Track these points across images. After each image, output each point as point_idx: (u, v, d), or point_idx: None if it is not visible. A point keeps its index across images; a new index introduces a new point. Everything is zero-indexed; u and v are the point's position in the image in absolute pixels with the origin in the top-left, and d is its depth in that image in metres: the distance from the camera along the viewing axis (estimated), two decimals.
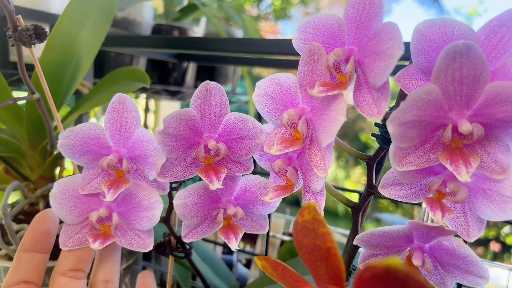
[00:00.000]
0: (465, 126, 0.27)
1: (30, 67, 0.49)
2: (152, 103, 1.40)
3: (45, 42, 0.45)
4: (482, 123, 0.28)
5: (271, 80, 0.35)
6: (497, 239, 4.35)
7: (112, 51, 0.83)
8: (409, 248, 0.34)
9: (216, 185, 0.34)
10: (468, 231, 0.33)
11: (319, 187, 0.33)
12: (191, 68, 1.02)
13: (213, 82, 0.34)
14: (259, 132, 0.35)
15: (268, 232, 0.66)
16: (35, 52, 0.44)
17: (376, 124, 0.34)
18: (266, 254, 0.68)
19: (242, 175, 0.39)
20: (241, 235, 0.38)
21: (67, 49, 0.56)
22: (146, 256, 0.76)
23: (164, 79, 0.99)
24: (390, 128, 0.28)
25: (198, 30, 0.99)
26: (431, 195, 0.32)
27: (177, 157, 0.36)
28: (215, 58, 0.94)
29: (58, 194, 0.38)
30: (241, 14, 1.08)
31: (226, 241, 0.37)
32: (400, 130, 0.28)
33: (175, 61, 0.94)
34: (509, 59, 0.29)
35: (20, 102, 0.52)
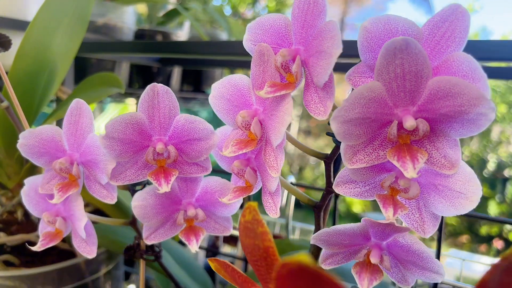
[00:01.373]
0: (409, 122, 0.27)
1: None
2: None
3: (15, 50, 0.45)
4: (428, 119, 0.28)
5: (226, 82, 0.35)
6: (500, 236, 4.33)
7: (93, 57, 0.84)
8: (367, 246, 0.34)
9: (164, 188, 0.34)
10: (423, 227, 0.33)
11: (274, 187, 0.33)
12: (176, 72, 1.02)
13: (160, 84, 0.35)
14: (210, 134, 0.35)
15: None
16: (7, 60, 0.44)
17: (329, 123, 0.34)
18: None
19: (204, 176, 0.39)
20: (202, 237, 0.38)
21: (39, 57, 0.57)
22: (129, 262, 0.76)
23: (149, 83, 0.99)
24: (334, 126, 0.28)
25: (182, 34, 1.00)
26: (384, 192, 0.32)
27: (128, 161, 0.36)
28: (199, 62, 0.95)
29: (27, 190, 0.41)
30: (226, 17, 1.08)
31: (187, 243, 0.37)
32: (344, 128, 0.28)
33: (158, 65, 0.94)
34: (451, 54, 0.29)
35: None
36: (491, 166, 4.68)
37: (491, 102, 0.26)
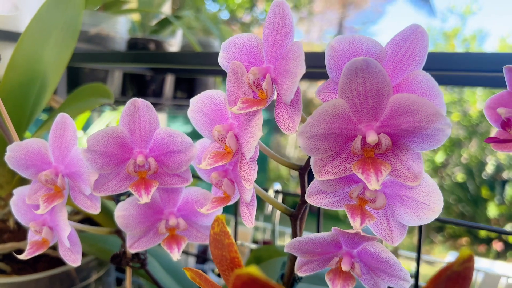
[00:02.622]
0: (371, 137, 0.29)
1: None
2: None
3: (7, 62, 0.47)
4: (390, 134, 0.30)
5: (203, 97, 0.37)
6: (499, 238, 4.34)
7: (86, 67, 0.85)
8: (339, 254, 0.36)
9: (144, 199, 0.35)
10: (391, 236, 0.34)
11: (248, 197, 0.34)
12: (169, 80, 1.03)
13: (140, 99, 0.36)
14: (188, 146, 0.36)
15: (235, 241, 0.68)
16: None
17: None
18: None
19: (186, 187, 0.40)
20: (184, 245, 0.39)
21: (31, 68, 0.58)
22: (120, 268, 0.77)
23: (142, 91, 1.00)
24: (300, 141, 0.29)
25: (174, 42, 1.01)
26: (354, 202, 0.34)
27: (111, 172, 0.37)
28: (192, 70, 0.96)
29: (16, 200, 0.42)
30: (218, 25, 1.10)
31: (169, 251, 0.39)
32: (310, 143, 0.29)
33: (151, 74, 0.96)
34: (412, 72, 0.30)
35: None
36: (490, 168, 4.69)
37: (446, 118, 0.27)
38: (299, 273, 0.38)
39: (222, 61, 0.35)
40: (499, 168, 4.67)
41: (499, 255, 4.24)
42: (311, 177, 0.39)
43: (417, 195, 0.32)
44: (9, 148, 0.38)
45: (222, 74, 0.98)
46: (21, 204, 0.41)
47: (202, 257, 0.82)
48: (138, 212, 0.39)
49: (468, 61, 0.44)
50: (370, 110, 0.29)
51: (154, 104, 1.01)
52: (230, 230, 0.26)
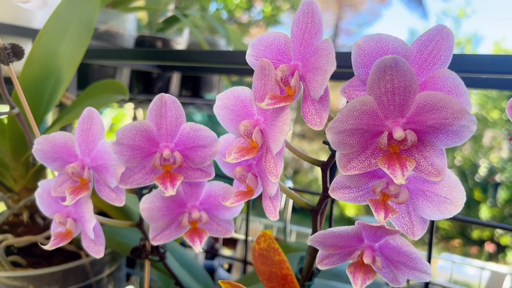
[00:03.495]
0: (398, 133, 0.30)
1: (8, 81, 0.51)
2: (140, 113, 1.43)
3: (25, 57, 0.47)
4: (415, 130, 0.31)
5: (229, 93, 0.38)
6: (491, 240, 4.38)
7: (95, 63, 0.86)
8: (360, 248, 0.37)
9: (170, 191, 0.36)
10: (412, 230, 0.35)
11: (273, 191, 0.35)
12: (175, 78, 1.04)
13: (167, 94, 0.37)
14: (213, 141, 0.37)
15: (246, 237, 0.69)
16: (15, 67, 0.46)
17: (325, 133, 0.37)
18: (245, 258, 0.70)
19: (208, 181, 0.41)
20: (205, 238, 0.40)
21: (47, 63, 0.59)
22: (130, 263, 0.78)
23: (149, 88, 1.01)
24: (329, 136, 0.30)
25: (181, 41, 1.02)
26: (377, 197, 0.35)
27: (137, 166, 0.38)
28: (198, 68, 0.97)
29: (40, 192, 0.43)
30: (224, 24, 1.10)
31: (191, 244, 0.40)
32: (339, 138, 0.30)
33: (158, 71, 0.97)
34: (438, 71, 0.31)
35: (1, 116, 0.54)
36: (483, 171, 4.73)
37: (472, 115, 0.28)
38: (320, 266, 0.39)
39: (249, 58, 0.36)
40: (492, 171, 4.71)
41: (491, 257, 4.29)
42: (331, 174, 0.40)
43: (439, 190, 0.33)
44: (36, 141, 0.39)
45: (227, 72, 0.99)
46: (45, 196, 0.42)
47: (211, 252, 0.83)
48: (162, 205, 0.40)
49: (469, 63, 0.45)
50: (397, 107, 0.30)
51: None
52: (278, 246, 0.27)
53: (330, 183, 0.39)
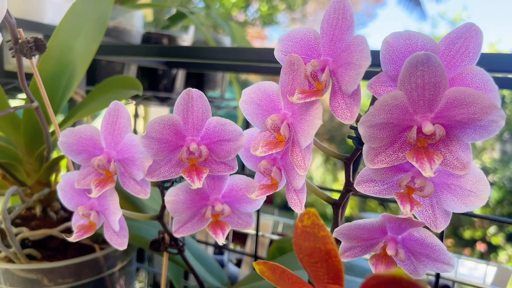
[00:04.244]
0: (427, 128, 0.31)
1: (25, 76, 0.51)
2: (141, 109, 1.43)
3: None
4: (444, 125, 0.31)
5: (256, 88, 0.38)
6: (483, 239, 4.43)
7: (103, 59, 0.86)
8: (383, 240, 0.38)
9: (197, 184, 0.37)
10: (435, 222, 0.36)
11: (300, 184, 0.36)
12: (180, 75, 1.04)
13: (194, 89, 0.38)
14: (238, 135, 0.38)
15: (257, 232, 0.69)
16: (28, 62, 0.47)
17: (351, 127, 0.37)
18: (256, 253, 0.71)
19: (230, 175, 0.42)
20: (227, 231, 0.41)
21: (63, 58, 0.59)
22: (139, 258, 0.78)
23: (154, 85, 1.01)
24: (361, 130, 0.31)
25: (187, 38, 1.02)
26: (401, 190, 0.36)
27: (163, 159, 0.39)
28: (204, 65, 0.97)
29: (63, 185, 0.43)
30: (229, 22, 1.11)
31: (214, 236, 0.40)
32: (370, 132, 0.31)
33: (164, 68, 0.97)
34: (466, 68, 0.32)
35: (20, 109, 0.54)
36: None
37: (501, 110, 0.29)
38: (342, 258, 0.39)
39: (278, 53, 0.37)
40: (484, 172, 4.75)
41: (483, 256, 4.33)
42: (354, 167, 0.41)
43: (464, 183, 0.34)
44: (62, 134, 0.40)
45: (233, 69, 0.99)
46: (68, 189, 0.43)
47: (220, 247, 0.83)
48: (186, 198, 0.41)
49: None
50: (427, 102, 0.31)
51: (165, 99, 1.02)
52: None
53: (352, 177, 0.40)
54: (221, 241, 0.41)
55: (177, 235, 0.42)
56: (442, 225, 0.36)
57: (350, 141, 0.39)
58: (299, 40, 0.35)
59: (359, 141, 0.37)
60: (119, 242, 0.42)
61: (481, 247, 4.41)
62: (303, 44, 0.35)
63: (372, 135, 0.32)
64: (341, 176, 4.10)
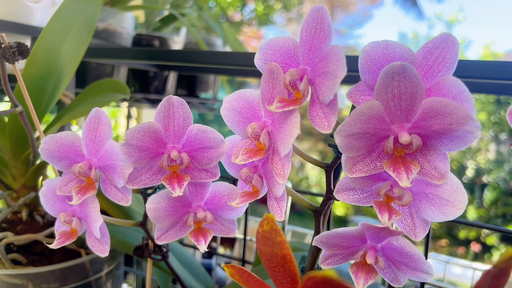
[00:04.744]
0: (404, 138, 0.31)
1: (11, 78, 0.51)
2: (134, 111, 1.43)
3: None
4: (420, 134, 0.32)
5: (237, 96, 0.38)
6: (477, 240, 4.45)
7: (93, 61, 0.86)
8: (363, 248, 0.38)
9: (177, 192, 0.37)
10: (414, 231, 0.36)
11: (280, 192, 0.36)
12: (172, 77, 1.04)
13: (175, 96, 0.38)
14: (220, 143, 0.38)
15: (245, 237, 0.69)
16: (17, 65, 0.46)
17: (331, 135, 0.37)
18: (243, 257, 0.71)
19: (213, 182, 0.42)
20: (210, 238, 0.41)
21: (49, 62, 0.59)
22: (127, 262, 0.78)
23: (145, 87, 1.01)
24: (337, 140, 0.31)
25: (178, 40, 1.02)
26: (380, 199, 0.36)
27: (144, 166, 0.39)
28: (195, 68, 0.97)
29: (45, 191, 0.43)
30: (221, 23, 1.11)
31: (196, 243, 0.40)
32: (347, 142, 0.31)
33: (156, 70, 0.97)
34: (443, 78, 0.32)
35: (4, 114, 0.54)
36: (470, 172, 4.80)
37: (476, 121, 0.29)
38: (323, 265, 0.39)
39: (258, 62, 0.37)
40: (479, 172, 4.78)
41: (477, 257, 4.35)
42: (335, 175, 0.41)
43: (442, 193, 0.34)
44: (43, 141, 0.39)
45: (224, 73, 0.99)
46: (50, 195, 0.42)
47: (209, 252, 0.83)
48: (168, 205, 0.40)
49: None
50: (403, 112, 0.31)
51: (156, 101, 1.02)
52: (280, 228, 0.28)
53: (333, 185, 0.40)
54: (203, 248, 0.41)
55: (159, 243, 0.42)
56: (421, 234, 0.36)
57: None
58: (279, 48, 0.35)
59: (338, 150, 0.37)
60: (101, 248, 0.42)
61: (475, 247, 4.43)
62: (282, 53, 0.35)
63: (348, 145, 0.32)
64: None
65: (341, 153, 0.37)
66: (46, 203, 0.43)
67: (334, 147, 0.38)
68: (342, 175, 0.42)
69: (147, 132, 0.37)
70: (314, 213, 0.41)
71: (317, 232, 0.41)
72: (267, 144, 0.36)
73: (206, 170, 0.40)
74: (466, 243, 4.49)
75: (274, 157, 0.36)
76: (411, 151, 0.32)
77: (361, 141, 0.32)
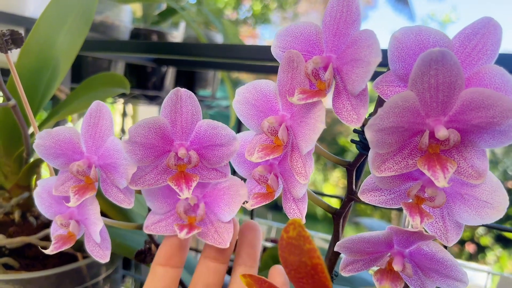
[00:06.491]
0: (441, 132, 0.28)
1: (2, 72, 0.48)
2: (130, 108, 1.39)
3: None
4: (458, 129, 0.29)
5: (251, 87, 0.35)
6: (472, 240, 4.45)
7: (90, 55, 0.82)
8: (389, 254, 0.35)
9: (185, 194, 0.33)
10: (446, 235, 0.33)
11: (301, 193, 0.33)
12: (170, 73, 1.01)
13: (183, 89, 0.34)
14: (232, 140, 0.34)
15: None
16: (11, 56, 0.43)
17: (355, 131, 0.34)
18: None
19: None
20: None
21: (44, 54, 0.55)
22: (126, 265, 0.75)
23: (143, 83, 0.98)
24: (368, 134, 0.28)
25: (177, 34, 0.99)
26: (410, 200, 0.33)
27: (149, 165, 0.35)
28: (194, 63, 0.94)
29: (39, 192, 0.40)
30: (221, 19, 1.08)
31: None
32: (378, 136, 0.28)
33: (153, 65, 0.94)
34: (483, 66, 0.29)
35: None
36: None
37: None
38: (344, 272, 0.36)
39: (275, 50, 0.33)
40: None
41: (471, 257, 4.35)
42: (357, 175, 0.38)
43: (479, 194, 0.31)
44: (38, 136, 0.36)
45: (224, 67, 0.96)
46: (45, 196, 0.39)
47: None
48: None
49: None
50: (440, 104, 0.28)
51: (154, 97, 0.98)
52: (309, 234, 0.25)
53: (355, 185, 0.37)
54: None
55: (147, 232, 0.39)
56: (454, 238, 0.33)
57: (342, 142, 0.36)
58: (299, 35, 0.32)
59: (363, 146, 0.34)
60: (101, 254, 0.39)
61: (470, 247, 4.42)
62: (303, 40, 0.32)
63: (380, 140, 0.29)
64: (332, 176, 4.08)
65: (366, 151, 0.34)
66: (41, 205, 0.39)
67: (358, 143, 0.35)
68: (366, 174, 0.39)
69: (153, 128, 0.34)
70: (333, 215, 0.38)
71: (336, 236, 0.38)
72: (286, 140, 0.33)
73: (215, 169, 0.37)
74: (461, 243, 4.49)
75: (294, 155, 0.33)
76: (447, 148, 0.29)
77: (393, 136, 0.29)
